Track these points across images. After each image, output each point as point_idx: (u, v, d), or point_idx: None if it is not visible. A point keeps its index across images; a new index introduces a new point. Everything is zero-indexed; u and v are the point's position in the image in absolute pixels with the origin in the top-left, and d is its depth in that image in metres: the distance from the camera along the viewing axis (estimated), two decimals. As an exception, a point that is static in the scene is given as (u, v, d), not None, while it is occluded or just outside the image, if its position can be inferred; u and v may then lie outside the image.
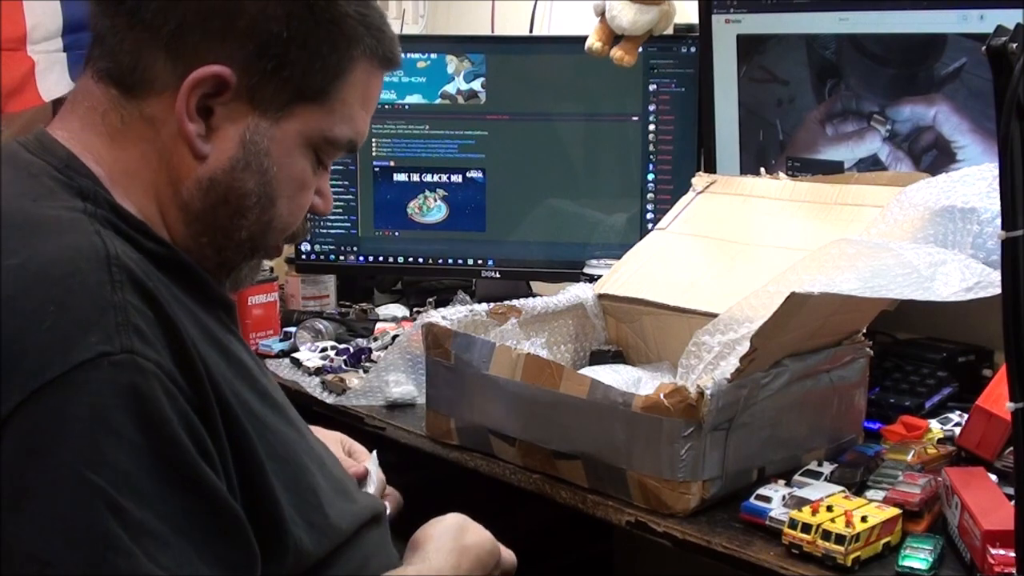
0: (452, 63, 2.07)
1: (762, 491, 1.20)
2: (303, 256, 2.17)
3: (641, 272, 1.59)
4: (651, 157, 2.03)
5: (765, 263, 1.44)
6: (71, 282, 0.83)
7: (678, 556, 1.21)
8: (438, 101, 2.08)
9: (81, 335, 0.80)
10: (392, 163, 2.12)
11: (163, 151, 0.94)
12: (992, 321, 0.92)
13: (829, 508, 1.12)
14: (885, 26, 1.65)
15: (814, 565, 1.09)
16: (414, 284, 2.34)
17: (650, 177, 2.03)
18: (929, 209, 1.33)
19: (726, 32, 1.83)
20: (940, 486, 1.18)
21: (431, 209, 2.12)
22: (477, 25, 2.40)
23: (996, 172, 0.94)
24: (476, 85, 2.06)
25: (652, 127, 2.02)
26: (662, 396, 1.18)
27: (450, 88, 2.07)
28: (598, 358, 1.58)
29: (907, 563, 1.08)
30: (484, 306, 1.51)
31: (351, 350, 1.82)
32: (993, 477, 1.20)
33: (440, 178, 2.11)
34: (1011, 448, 1.03)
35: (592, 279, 1.68)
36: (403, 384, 1.60)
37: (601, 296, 1.61)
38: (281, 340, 1.92)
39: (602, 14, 1.84)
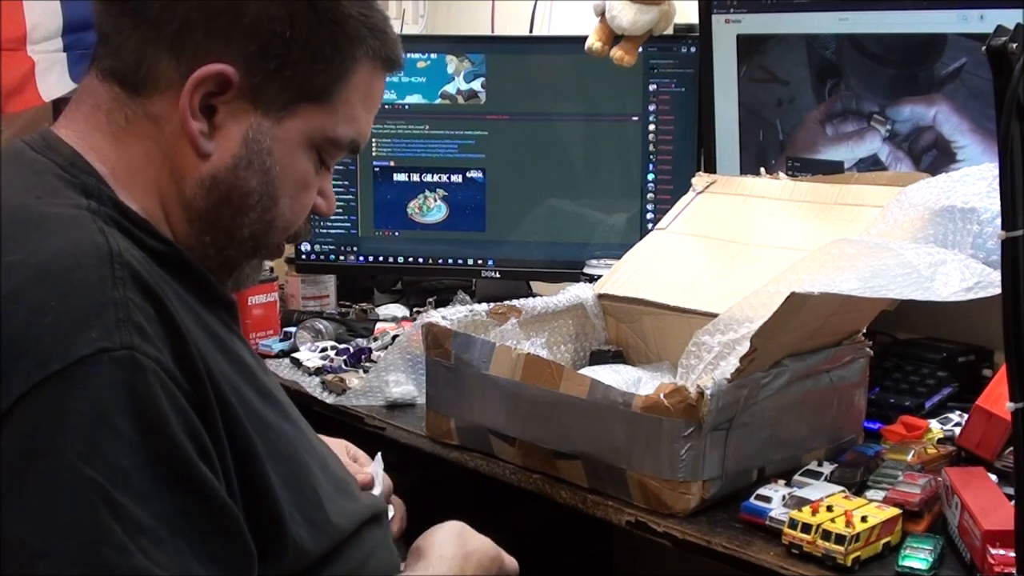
0: (452, 63, 2.07)
1: (762, 491, 1.20)
2: (303, 256, 2.17)
3: (641, 272, 1.59)
4: (651, 157, 2.03)
5: (765, 263, 1.44)
6: (72, 278, 0.83)
7: (678, 556, 1.21)
8: (438, 101, 2.08)
9: (82, 330, 0.80)
10: (392, 163, 2.12)
11: (167, 149, 0.94)
12: (992, 321, 0.92)
13: (829, 508, 1.12)
14: (885, 26, 1.65)
15: (814, 565, 1.09)
16: (414, 284, 2.34)
17: (650, 177, 2.03)
18: (929, 209, 1.33)
19: (726, 32, 1.83)
20: (940, 486, 1.18)
21: (431, 209, 2.12)
22: (477, 25, 2.40)
23: (996, 172, 0.94)
24: (476, 85, 2.06)
25: (652, 127, 2.02)
26: (662, 396, 1.18)
27: (450, 88, 2.07)
28: (598, 358, 1.58)
29: (907, 563, 1.08)
30: (484, 306, 1.51)
31: (351, 350, 1.82)
32: (993, 477, 1.20)
33: (440, 178, 2.11)
34: (1011, 448, 1.03)
35: (592, 279, 1.68)
36: (403, 384, 1.60)
37: (601, 296, 1.61)
38: (281, 340, 1.92)
39: (602, 14, 1.84)
